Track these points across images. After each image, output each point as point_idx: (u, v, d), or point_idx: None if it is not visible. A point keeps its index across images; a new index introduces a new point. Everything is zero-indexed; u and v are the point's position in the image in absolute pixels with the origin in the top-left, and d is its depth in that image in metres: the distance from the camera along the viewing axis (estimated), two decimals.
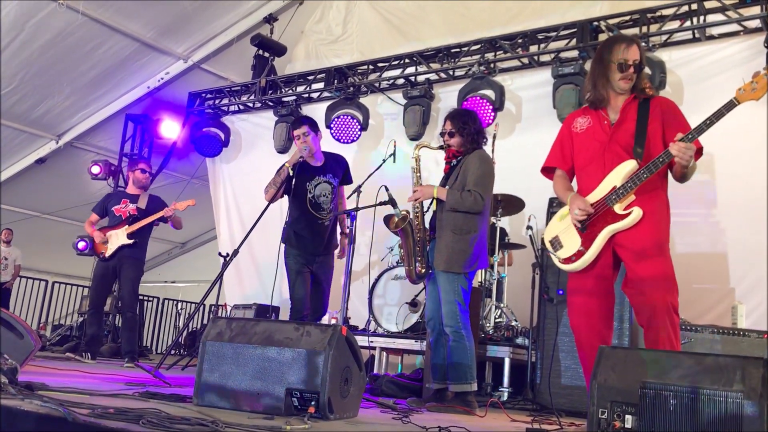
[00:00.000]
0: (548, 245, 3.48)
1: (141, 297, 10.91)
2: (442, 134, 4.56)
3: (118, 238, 6.38)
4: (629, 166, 3.23)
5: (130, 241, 6.35)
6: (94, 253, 6.54)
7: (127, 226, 6.39)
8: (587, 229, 3.27)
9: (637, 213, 3.16)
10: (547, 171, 3.67)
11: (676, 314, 3.11)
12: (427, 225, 4.52)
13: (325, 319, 6.63)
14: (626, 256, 3.23)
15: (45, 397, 2.47)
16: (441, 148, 4.55)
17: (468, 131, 4.42)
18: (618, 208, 3.20)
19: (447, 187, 4.36)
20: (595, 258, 3.26)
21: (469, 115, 4.56)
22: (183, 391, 3.48)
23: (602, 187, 3.29)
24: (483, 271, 5.97)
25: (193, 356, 7.13)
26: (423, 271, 4.38)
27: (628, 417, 2.42)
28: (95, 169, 9.50)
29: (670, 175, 3.36)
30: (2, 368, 2.72)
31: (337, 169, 5.53)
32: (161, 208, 6.48)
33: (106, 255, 6.39)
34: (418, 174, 4.54)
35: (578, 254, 3.28)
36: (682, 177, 3.23)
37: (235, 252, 5.86)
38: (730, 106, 3.03)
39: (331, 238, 5.47)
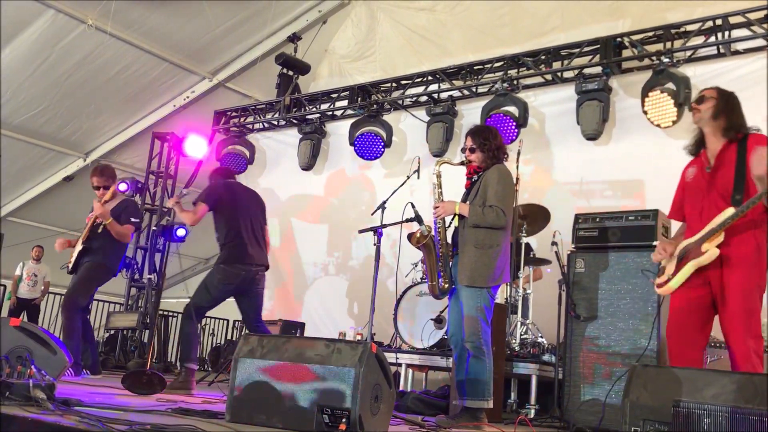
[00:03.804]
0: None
1: (165, 313, 11.04)
2: (463, 150, 4.58)
3: (77, 247, 5.79)
4: (727, 214, 3.40)
5: (80, 247, 5.71)
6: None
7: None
8: (681, 260, 3.56)
9: (712, 252, 3.38)
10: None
11: (758, 357, 3.25)
12: (449, 240, 4.52)
13: (349, 336, 6.67)
14: (715, 296, 3.47)
15: (83, 414, 2.52)
16: (462, 164, 4.56)
17: (489, 147, 4.42)
18: (704, 247, 3.44)
19: (468, 202, 4.37)
20: (683, 285, 3.52)
21: (490, 131, 4.55)
22: (213, 407, 3.52)
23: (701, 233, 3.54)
24: (507, 286, 5.96)
25: (219, 372, 7.18)
26: (446, 286, 4.38)
27: None
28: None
29: None
30: (41, 384, 2.77)
31: None
32: (130, 213, 5.86)
33: (70, 267, 5.81)
34: (440, 190, 4.54)
35: (666, 281, 3.60)
36: None
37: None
38: None
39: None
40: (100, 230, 5.70)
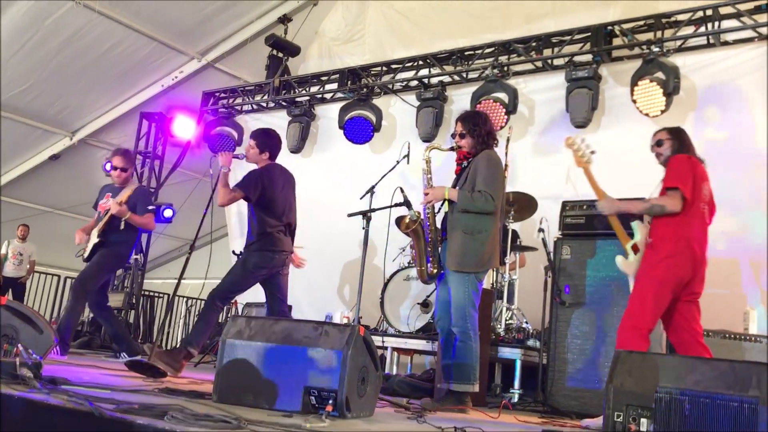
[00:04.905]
0: None
1: (151, 293, 11.03)
2: (453, 136, 4.58)
3: (93, 237, 5.87)
4: None
5: (97, 240, 5.81)
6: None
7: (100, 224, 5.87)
8: None
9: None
10: None
11: (631, 332, 3.89)
12: (438, 225, 4.54)
13: (336, 319, 6.69)
14: None
15: (70, 392, 2.53)
16: (452, 149, 4.57)
17: (478, 132, 4.42)
18: None
19: (458, 188, 4.38)
20: None
21: (480, 117, 4.56)
22: (200, 388, 3.53)
23: None
24: (494, 272, 6.00)
25: (205, 353, 7.19)
26: (435, 271, 4.40)
27: (644, 421, 2.46)
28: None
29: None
30: (27, 362, 2.77)
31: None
32: (145, 202, 5.95)
33: (85, 256, 5.93)
34: (429, 176, 4.54)
35: None
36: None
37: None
38: None
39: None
40: (122, 227, 5.82)
